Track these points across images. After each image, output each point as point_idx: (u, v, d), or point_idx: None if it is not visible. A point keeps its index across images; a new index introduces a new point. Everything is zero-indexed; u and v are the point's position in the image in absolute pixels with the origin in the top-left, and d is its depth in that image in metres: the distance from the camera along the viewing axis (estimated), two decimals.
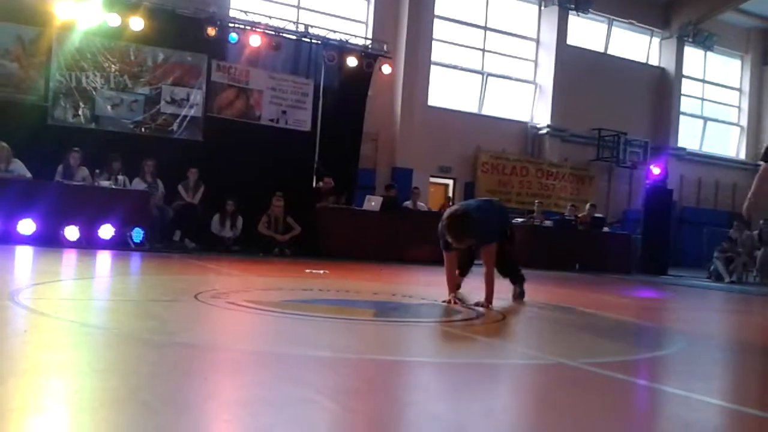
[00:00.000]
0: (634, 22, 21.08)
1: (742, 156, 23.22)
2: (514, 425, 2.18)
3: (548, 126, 19.24)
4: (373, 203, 12.10)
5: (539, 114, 19.54)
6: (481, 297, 5.07)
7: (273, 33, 13.02)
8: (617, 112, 19.96)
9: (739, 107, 23.54)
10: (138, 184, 10.80)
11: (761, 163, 5.30)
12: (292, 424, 1.96)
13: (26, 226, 9.05)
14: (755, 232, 14.50)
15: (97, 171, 10.23)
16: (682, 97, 21.95)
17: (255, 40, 12.59)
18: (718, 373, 3.51)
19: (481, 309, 4.90)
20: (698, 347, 4.31)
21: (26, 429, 1.76)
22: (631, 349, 4.10)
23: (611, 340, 4.44)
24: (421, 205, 13.52)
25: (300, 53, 13.45)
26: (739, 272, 13.73)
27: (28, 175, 9.72)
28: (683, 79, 21.92)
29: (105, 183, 10.11)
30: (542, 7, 19.62)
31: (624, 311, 6.54)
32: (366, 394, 2.42)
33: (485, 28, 19.04)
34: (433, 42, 17.85)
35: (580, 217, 14.82)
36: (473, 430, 2.01)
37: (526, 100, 19.72)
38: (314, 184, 12.88)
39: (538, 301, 6.05)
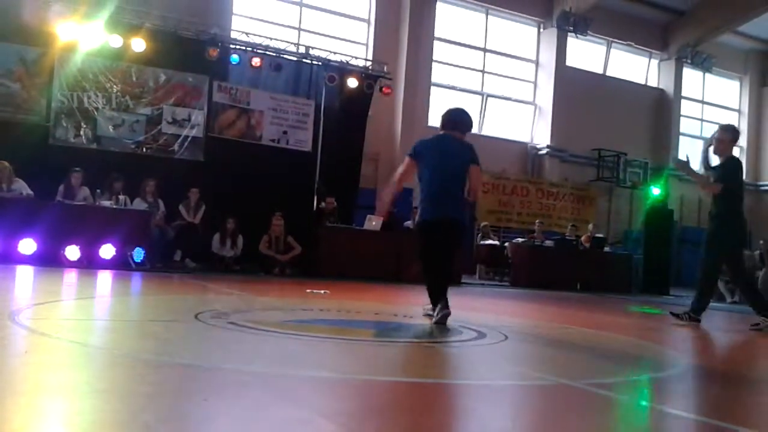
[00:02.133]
0: (632, 44, 21.23)
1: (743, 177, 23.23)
2: None
3: (548, 146, 19.31)
4: (374, 223, 12.10)
5: (539, 134, 19.62)
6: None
7: (274, 54, 13.11)
8: (617, 133, 20.04)
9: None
10: (139, 204, 10.82)
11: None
12: None
13: (27, 245, 9.05)
14: (756, 252, 14.49)
15: (98, 191, 10.26)
16: (682, 118, 22.05)
17: (256, 62, 12.68)
18: (720, 394, 3.49)
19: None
20: (700, 368, 4.29)
21: None
22: (634, 370, 4.09)
23: (613, 361, 4.42)
24: None
25: (301, 74, 13.54)
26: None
27: (30, 192, 9.74)
28: (682, 100, 22.04)
29: (106, 203, 10.12)
30: (541, 29, 19.78)
31: (626, 331, 6.52)
32: (366, 416, 2.41)
33: (485, 50, 19.19)
34: (433, 63, 17.98)
35: (583, 238, 14.82)
36: None
37: (526, 121, 19.81)
38: (315, 204, 12.89)
39: (540, 321, 6.03)
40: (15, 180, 9.75)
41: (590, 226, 15.45)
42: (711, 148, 7.29)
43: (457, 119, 5.63)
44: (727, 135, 7.22)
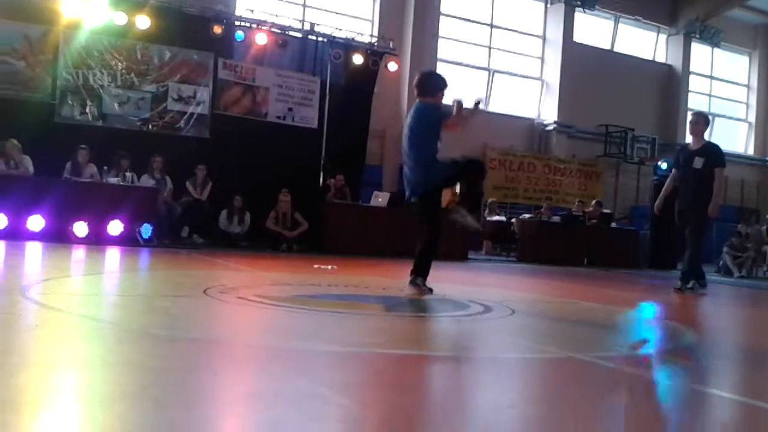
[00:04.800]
0: (640, 18, 20.99)
1: (750, 152, 23.13)
2: (524, 419, 2.18)
3: (555, 122, 19.20)
4: (380, 199, 12.10)
5: (546, 110, 19.50)
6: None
7: (279, 31, 13.03)
8: (624, 109, 19.88)
9: (747, 103, 23.44)
10: (146, 181, 10.84)
11: None
12: (302, 417, 1.96)
13: (35, 222, 9.09)
14: (764, 227, 14.45)
15: (105, 168, 10.27)
16: (690, 94, 21.86)
17: (261, 38, 12.59)
18: (728, 368, 3.50)
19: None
20: (708, 342, 4.30)
21: (38, 422, 1.77)
22: (643, 344, 4.09)
23: (621, 335, 4.43)
24: None
25: (306, 51, 13.46)
26: (748, 267, 13.69)
27: (31, 170, 9.77)
28: (690, 76, 21.84)
29: (113, 180, 10.15)
30: (548, 4, 19.56)
31: (633, 306, 6.52)
32: (376, 388, 2.42)
33: (491, 26, 19.00)
34: (439, 39, 17.83)
35: (588, 212, 14.80)
36: (483, 424, 2.01)
37: (533, 97, 19.67)
38: (321, 181, 12.89)
39: (547, 295, 6.04)
40: (23, 157, 9.79)
41: (593, 202, 15.40)
42: None
43: (420, 83, 5.54)
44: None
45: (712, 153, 7.52)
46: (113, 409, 1.90)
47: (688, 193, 7.44)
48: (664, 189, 7.86)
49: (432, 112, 5.32)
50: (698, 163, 7.37)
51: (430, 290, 5.14)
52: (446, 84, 5.45)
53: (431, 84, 5.44)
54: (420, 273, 5.19)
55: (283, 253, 10.68)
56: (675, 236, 14.68)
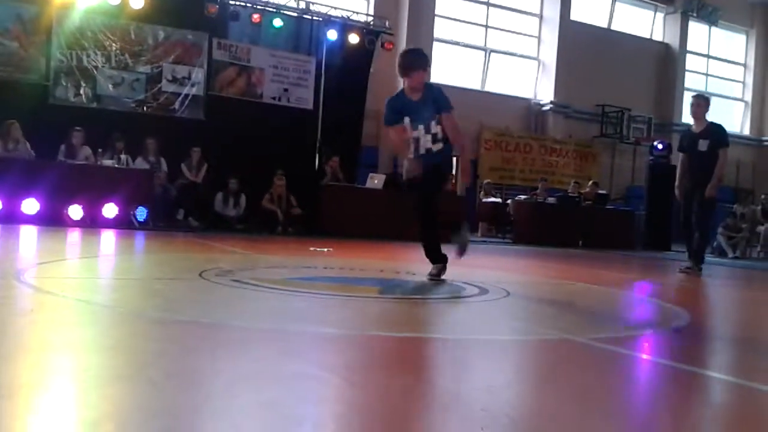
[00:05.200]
0: None
1: (747, 131, 23.12)
2: (519, 400, 2.19)
3: (551, 102, 19.15)
4: (376, 181, 12.09)
5: (542, 90, 19.44)
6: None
7: (274, 10, 12.93)
8: (621, 88, 19.83)
9: (743, 82, 23.39)
10: (141, 163, 10.80)
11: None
12: (297, 398, 1.97)
13: (30, 205, 9.07)
14: (759, 207, 14.48)
15: (100, 150, 10.23)
16: (687, 73, 21.80)
17: (256, 17, 12.51)
18: (722, 348, 3.52)
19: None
20: (702, 322, 4.32)
21: (35, 405, 1.77)
22: (638, 324, 4.11)
23: (617, 316, 4.45)
24: None
25: (301, 30, 13.38)
26: (743, 247, 13.73)
27: (32, 153, 9.76)
28: (687, 55, 21.76)
29: (108, 162, 10.11)
30: None
31: (629, 287, 6.55)
32: (371, 370, 2.43)
33: (488, 4, 18.88)
34: (436, 18, 17.72)
35: (585, 193, 14.81)
36: (478, 405, 2.02)
37: (530, 77, 19.60)
38: (317, 163, 12.86)
39: (543, 277, 6.06)
40: (22, 141, 9.76)
41: (590, 183, 15.41)
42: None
43: (412, 58, 5.07)
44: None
45: (716, 134, 7.53)
46: (108, 392, 1.91)
47: (695, 176, 7.46)
48: (678, 174, 7.86)
49: None
50: (703, 145, 7.40)
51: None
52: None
53: (423, 59, 5.12)
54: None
55: (279, 236, 10.68)
56: (670, 217, 14.79)
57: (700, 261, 7.60)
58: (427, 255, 5.16)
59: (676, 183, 7.86)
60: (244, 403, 1.90)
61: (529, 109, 19.51)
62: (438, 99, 5.02)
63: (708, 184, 7.32)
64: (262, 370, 2.30)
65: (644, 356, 3.08)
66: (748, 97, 23.29)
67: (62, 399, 1.86)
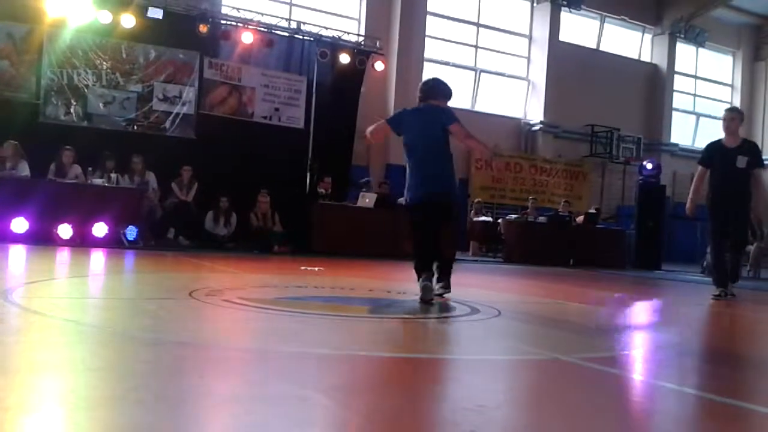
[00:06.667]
0: (626, 18, 21.11)
1: None
2: (509, 421, 2.19)
3: (541, 122, 19.28)
4: (367, 200, 12.09)
5: (532, 110, 19.58)
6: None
7: (265, 30, 13.00)
8: (610, 108, 19.99)
9: (731, 103, 23.60)
10: (128, 183, 10.77)
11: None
12: (286, 420, 1.96)
13: (19, 224, 9.02)
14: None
15: (90, 169, 10.21)
16: (675, 93, 22.02)
17: (247, 37, 12.56)
18: (710, 369, 3.52)
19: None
20: (690, 342, 4.33)
21: (21, 428, 1.75)
22: (627, 344, 4.12)
23: (606, 336, 4.45)
24: None
25: (293, 50, 13.44)
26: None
27: (27, 173, 9.76)
28: (675, 75, 21.99)
29: (98, 181, 10.09)
30: (534, 4, 19.64)
31: (618, 306, 6.56)
32: (361, 391, 2.42)
33: (478, 25, 19.05)
34: (426, 39, 17.85)
35: (579, 219, 14.82)
36: (468, 426, 2.01)
37: (519, 97, 19.74)
38: (309, 182, 12.84)
39: (534, 296, 6.06)
40: (21, 162, 9.73)
41: (583, 215, 15.47)
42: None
43: (435, 86, 5.50)
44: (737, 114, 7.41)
45: (756, 152, 7.09)
46: (97, 414, 1.89)
47: (727, 194, 6.94)
48: (693, 189, 7.28)
49: (451, 113, 5.39)
50: (741, 162, 6.88)
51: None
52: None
53: (448, 89, 5.53)
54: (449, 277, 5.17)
55: (270, 255, 10.65)
56: (660, 237, 14.84)
57: (736, 279, 7.17)
58: (419, 263, 5.10)
59: (690, 196, 7.29)
60: (232, 424, 1.89)
61: (519, 129, 19.62)
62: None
63: (746, 204, 6.98)
64: (251, 392, 2.28)
65: (634, 376, 3.08)
66: None
67: (50, 421, 1.85)
